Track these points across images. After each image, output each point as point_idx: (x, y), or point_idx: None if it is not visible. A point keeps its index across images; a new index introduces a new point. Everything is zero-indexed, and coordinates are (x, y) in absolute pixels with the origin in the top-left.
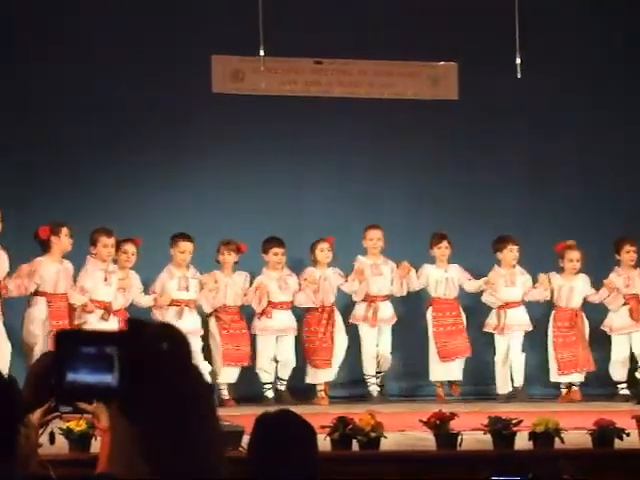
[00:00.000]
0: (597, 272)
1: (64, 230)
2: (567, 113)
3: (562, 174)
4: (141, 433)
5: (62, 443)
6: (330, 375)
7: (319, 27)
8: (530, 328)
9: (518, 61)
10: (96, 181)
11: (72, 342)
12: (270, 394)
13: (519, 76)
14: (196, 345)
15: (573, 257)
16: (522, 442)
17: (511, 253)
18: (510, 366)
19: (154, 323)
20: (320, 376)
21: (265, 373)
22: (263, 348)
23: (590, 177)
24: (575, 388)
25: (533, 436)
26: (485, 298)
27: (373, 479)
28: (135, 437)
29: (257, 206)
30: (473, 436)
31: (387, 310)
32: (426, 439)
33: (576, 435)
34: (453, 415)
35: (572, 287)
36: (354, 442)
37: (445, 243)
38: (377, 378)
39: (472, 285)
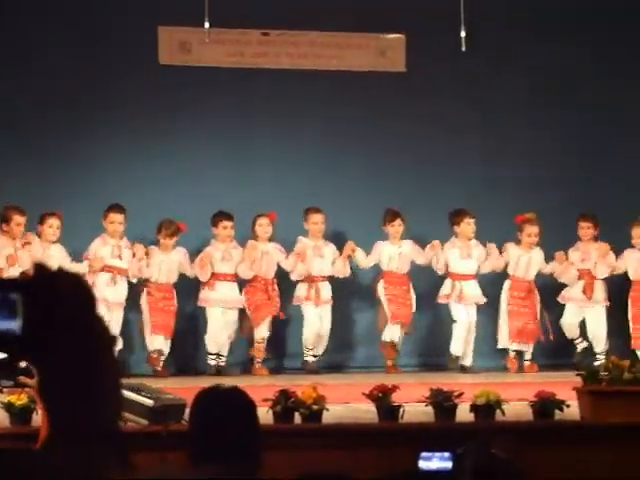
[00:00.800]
0: (560, 246)
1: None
2: (512, 83)
3: (513, 146)
4: (41, 383)
5: (3, 417)
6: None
7: None
8: (483, 301)
9: (463, 34)
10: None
11: None
12: (212, 363)
13: (463, 49)
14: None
15: (532, 232)
16: (464, 414)
17: (468, 226)
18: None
19: (58, 271)
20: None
21: (213, 343)
22: (211, 319)
23: (541, 150)
24: (527, 362)
25: (474, 408)
26: (433, 264)
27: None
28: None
29: (204, 177)
30: (415, 408)
31: (326, 291)
32: (368, 411)
33: (517, 407)
34: (395, 387)
35: (530, 258)
36: (296, 415)
37: (399, 221)
38: (315, 357)
39: (425, 257)
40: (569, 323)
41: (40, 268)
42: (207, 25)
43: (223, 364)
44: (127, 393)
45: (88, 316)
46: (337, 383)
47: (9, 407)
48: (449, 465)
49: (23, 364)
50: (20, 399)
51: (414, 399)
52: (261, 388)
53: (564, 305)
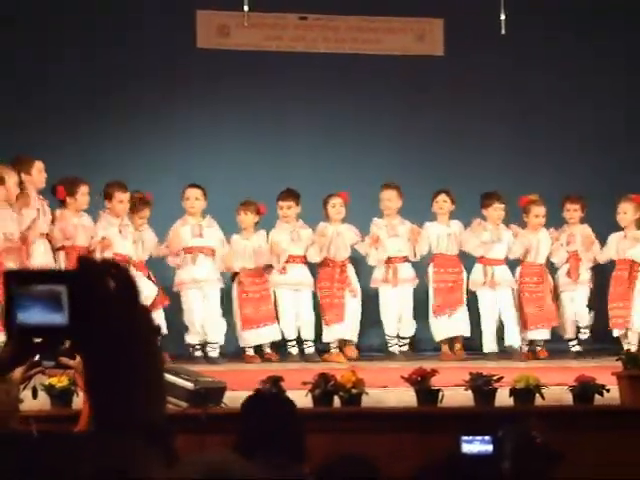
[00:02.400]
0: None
1: (81, 188)
2: (552, 67)
3: (546, 129)
4: (87, 374)
5: (44, 399)
6: (345, 333)
7: None
8: (516, 286)
9: (502, 17)
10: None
11: (21, 281)
12: (294, 351)
13: (503, 32)
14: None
15: (539, 212)
16: (503, 398)
17: (495, 212)
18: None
19: (102, 261)
20: (334, 333)
21: (287, 328)
22: (283, 304)
23: (572, 129)
24: (539, 347)
25: (514, 392)
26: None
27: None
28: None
29: (239, 162)
30: (455, 392)
31: (407, 271)
32: (408, 395)
33: (556, 391)
34: (434, 371)
35: (538, 240)
36: (335, 398)
37: (444, 197)
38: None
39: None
40: (568, 319)
41: (84, 259)
42: (246, 9)
43: (310, 349)
44: (167, 376)
45: (132, 306)
46: (375, 367)
47: (50, 389)
48: (490, 448)
49: (65, 344)
50: (61, 381)
51: (453, 383)
52: (301, 372)
53: None
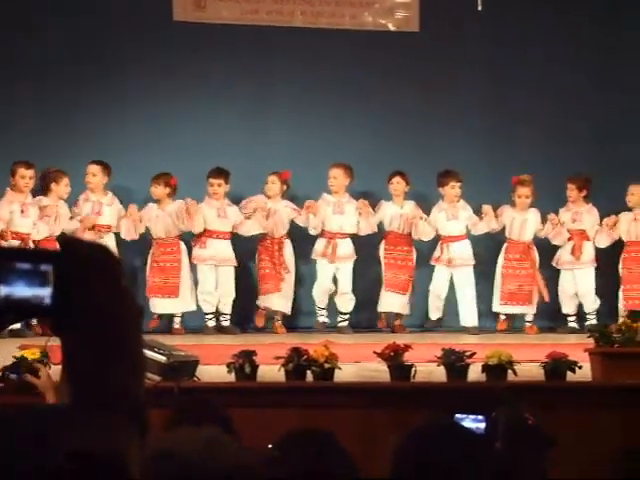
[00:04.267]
0: (554, 206)
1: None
2: (529, 46)
3: (523, 107)
4: (67, 352)
5: None
6: (283, 306)
7: None
8: (472, 263)
9: None
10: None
11: (6, 258)
12: (211, 324)
13: (479, 8)
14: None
15: (522, 193)
16: (475, 375)
17: (452, 190)
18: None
19: (86, 242)
20: (273, 302)
21: (206, 303)
22: (202, 278)
23: (550, 112)
24: (528, 324)
25: (486, 368)
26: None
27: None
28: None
29: (219, 137)
30: (427, 367)
31: (346, 247)
32: (380, 370)
33: (529, 368)
34: (407, 347)
35: (524, 220)
36: (308, 373)
37: (398, 178)
38: (343, 315)
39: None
40: (567, 295)
41: (68, 242)
42: None
43: (226, 322)
44: None
45: (115, 286)
46: (349, 342)
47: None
48: (482, 426)
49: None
50: (33, 354)
51: (425, 359)
52: (275, 345)
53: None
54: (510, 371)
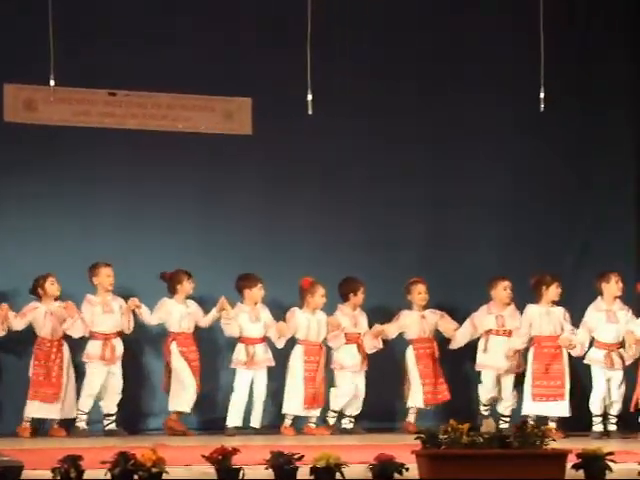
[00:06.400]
0: None
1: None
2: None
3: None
4: None
5: None
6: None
7: (112, 58)
8: (272, 363)
9: (310, 97)
10: None
11: None
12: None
13: (310, 112)
14: None
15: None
16: (304, 477)
17: (260, 292)
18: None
19: None
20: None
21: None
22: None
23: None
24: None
25: (315, 471)
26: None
27: None
28: None
29: (46, 237)
30: (255, 471)
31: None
32: (209, 474)
33: (357, 470)
34: (235, 450)
35: (319, 321)
36: (135, 477)
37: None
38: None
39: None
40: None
41: None
42: (52, 83)
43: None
44: None
45: None
46: (180, 445)
47: None
48: None
49: None
50: None
51: (254, 461)
52: (103, 450)
53: None
54: (338, 473)
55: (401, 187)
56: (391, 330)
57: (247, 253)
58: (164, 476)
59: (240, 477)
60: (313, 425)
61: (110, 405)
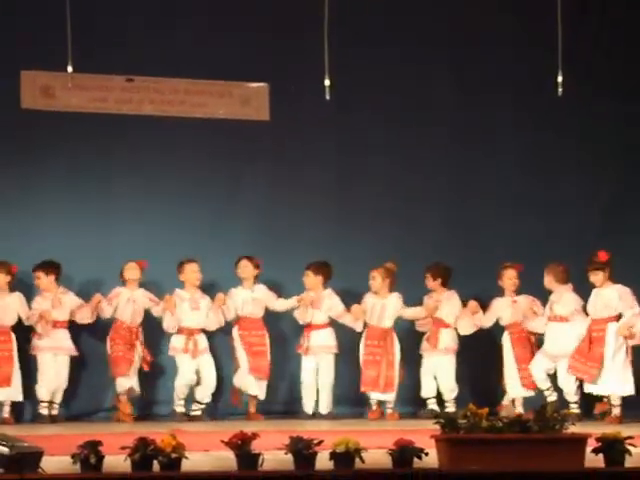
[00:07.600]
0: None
1: None
2: (376, 132)
3: (371, 191)
4: None
5: None
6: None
7: (129, 44)
8: (335, 351)
9: (327, 83)
10: None
11: None
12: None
13: (327, 97)
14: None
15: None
16: (323, 462)
17: (307, 278)
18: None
19: None
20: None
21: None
22: (42, 367)
23: (400, 191)
24: (390, 410)
25: (334, 456)
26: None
27: None
28: None
29: (66, 224)
30: (275, 456)
31: (203, 341)
32: (228, 459)
33: (376, 455)
34: (255, 435)
35: (383, 305)
36: (155, 463)
37: (245, 262)
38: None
39: (282, 305)
40: (424, 379)
41: None
42: (70, 70)
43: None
44: None
45: None
46: (199, 430)
47: None
48: None
49: None
50: None
51: (274, 447)
52: (122, 436)
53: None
54: (357, 458)
55: (420, 174)
56: (487, 320)
57: (257, 238)
58: (183, 461)
59: (259, 462)
60: (390, 410)
61: (203, 393)
